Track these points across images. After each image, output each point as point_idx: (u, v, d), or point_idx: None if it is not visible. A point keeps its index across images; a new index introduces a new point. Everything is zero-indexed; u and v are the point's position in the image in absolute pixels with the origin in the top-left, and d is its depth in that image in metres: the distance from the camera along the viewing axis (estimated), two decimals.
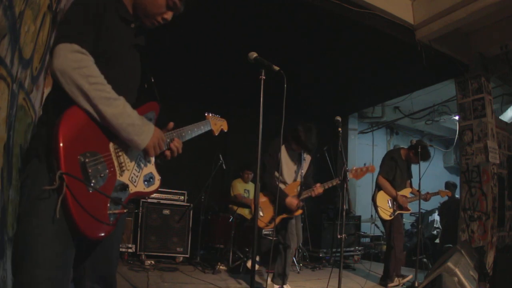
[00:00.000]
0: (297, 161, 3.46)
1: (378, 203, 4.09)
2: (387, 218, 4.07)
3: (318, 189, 3.29)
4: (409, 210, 4.19)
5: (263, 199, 3.33)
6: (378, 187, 4.15)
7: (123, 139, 1.19)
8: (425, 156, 4.04)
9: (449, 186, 6.41)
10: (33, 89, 1.81)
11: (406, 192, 4.23)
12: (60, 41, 1.10)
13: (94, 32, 1.18)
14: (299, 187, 3.38)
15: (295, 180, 3.44)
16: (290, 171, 3.44)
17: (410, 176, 4.37)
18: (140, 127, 1.21)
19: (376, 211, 4.13)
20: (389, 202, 4.13)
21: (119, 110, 1.15)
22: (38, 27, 1.70)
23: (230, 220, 4.62)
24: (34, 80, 1.81)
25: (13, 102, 1.48)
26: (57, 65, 1.07)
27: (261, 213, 3.32)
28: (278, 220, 3.30)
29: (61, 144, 1.02)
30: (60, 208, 1.03)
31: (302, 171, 3.43)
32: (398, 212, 4.11)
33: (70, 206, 1.03)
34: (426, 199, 4.19)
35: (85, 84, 1.08)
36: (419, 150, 3.96)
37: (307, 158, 3.51)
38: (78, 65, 1.09)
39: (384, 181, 4.11)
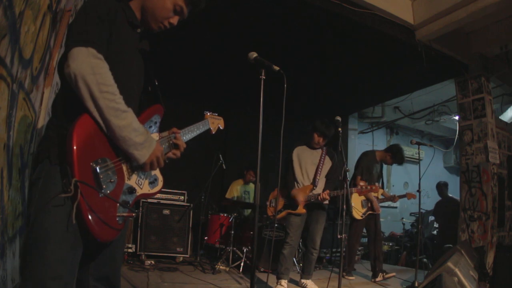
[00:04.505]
0: (315, 164, 3.62)
1: (353, 203, 4.24)
2: (359, 218, 4.28)
3: (324, 195, 3.41)
4: (379, 211, 4.36)
5: (276, 193, 3.68)
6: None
7: (123, 150, 1.21)
8: (401, 160, 4.39)
9: (441, 186, 6.41)
10: (33, 89, 1.82)
11: (378, 194, 4.43)
12: (77, 44, 1.11)
13: (107, 36, 1.20)
14: (312, 191, 3.54)
15: (311, 182, 3.58)
16: (305, 173, 3.60)
17: (381, 177, 4.61)
18: (141, 143, 1.22)
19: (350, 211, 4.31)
20: (363, 202, 4.31)
21: (125, 123, 1.16)
22: (38, 27, 1.70)
23: (230, 220, 4.62)
24: (34, 80, 1.81)
25: (13, 102, 1.49)
26: (73, 68, 1.09)
27: (273, 203, 3.68)
28: (283, 214, 3.54)
29: (75, 153, 1.06)
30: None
31: (319, 175, 3.58)
32: (369, 212, 4.31)
33: (83, 212, 1.07)
34: (393, 201, 4.54)
35: (96, 91, 1.10)
36: (396, 152, 4.34)
37: (326, 163, 3.65)
38: (93, 71, 1.10)
39: (363, 182, 4.18)
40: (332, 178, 3.63)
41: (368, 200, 4.31)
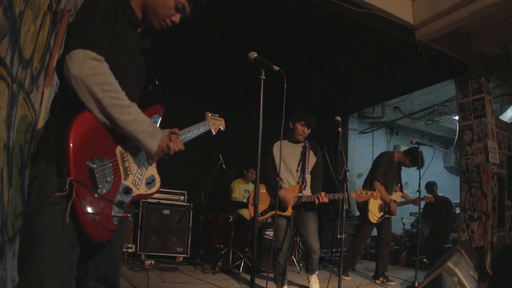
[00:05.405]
0: (300, 160, 3.38)
1: (370, 207, 4.16)
2: (374, 222, 4.19)
3: (324, 198, 3.11)
4: (395, 215, 4.26)
5: (262, 190, 3.31)
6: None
7: (134, 143, 1.23)
8: (421, 163, 4.12)
9: (431, 185, 6.39)
10: (33, 89, 1.81)
11: (397, 196, 4.33)
12: (75, 47, 1.10)
13: (107, 36, 1.19)
14: (301, 190, 3.29)
15: (297, 181, 3.35)
16: (289, 170, 3.36)
17: (399, 179, 4.48)
18: (150, 133, 1.24)
19: (365, 214, 4.20)
20: (380, 206, 4.21)
21: (132, 118, 1.18)
22: (38, 27, 1.70)
23: (230, 220, 4.62)
24: (34, 80, 1.81)
25: (13, 102, 1.48)
26: (73, 72, 1.08)
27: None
28: (269, 215, 3.30)
29: (71, 152, 1.05)
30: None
31: (306, 171, 3.32)
32: (385, 216, 4.23)
33: (77, 212, 1.07)
34: (416, 204, 4.31)
35: (99, 91, 1.10)
36: (416, 156, 4.05)
37: (311, 158, 3.39)
38: (93, 72, 1.10)
39: (381, 186, 4.13)
40: (318, 175, 3.39)
41: (385, 204, 4.17)
